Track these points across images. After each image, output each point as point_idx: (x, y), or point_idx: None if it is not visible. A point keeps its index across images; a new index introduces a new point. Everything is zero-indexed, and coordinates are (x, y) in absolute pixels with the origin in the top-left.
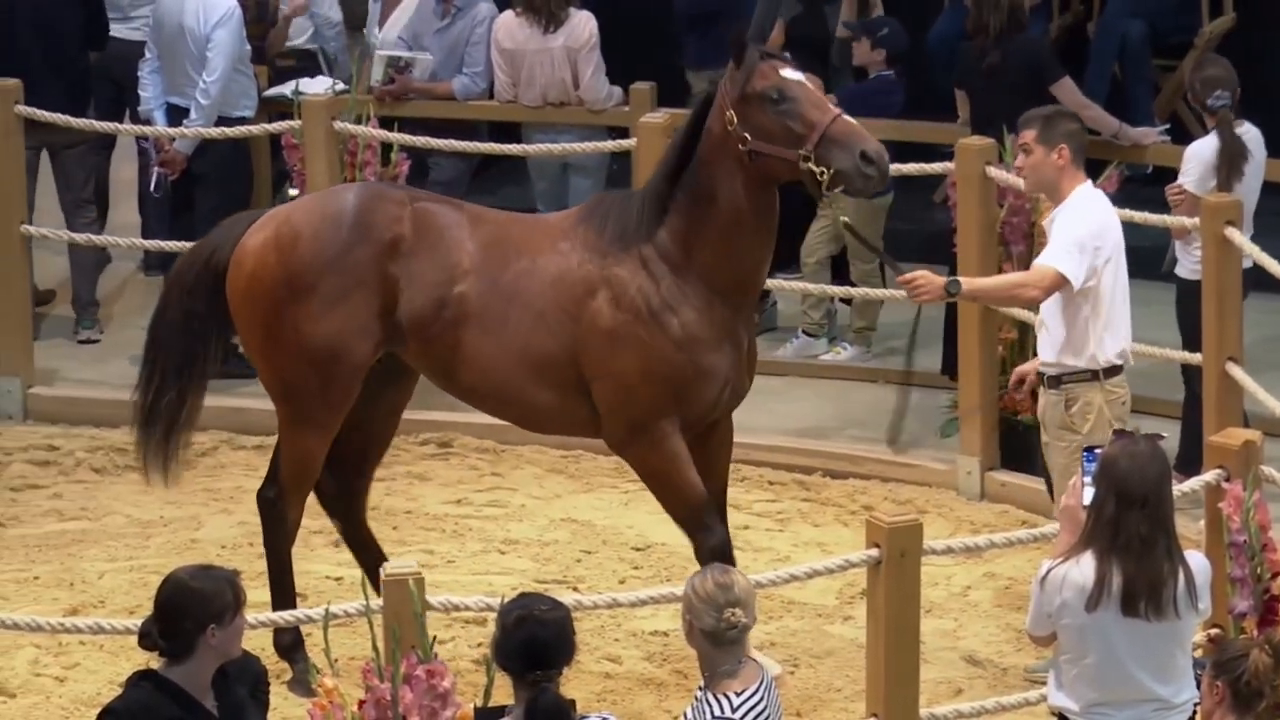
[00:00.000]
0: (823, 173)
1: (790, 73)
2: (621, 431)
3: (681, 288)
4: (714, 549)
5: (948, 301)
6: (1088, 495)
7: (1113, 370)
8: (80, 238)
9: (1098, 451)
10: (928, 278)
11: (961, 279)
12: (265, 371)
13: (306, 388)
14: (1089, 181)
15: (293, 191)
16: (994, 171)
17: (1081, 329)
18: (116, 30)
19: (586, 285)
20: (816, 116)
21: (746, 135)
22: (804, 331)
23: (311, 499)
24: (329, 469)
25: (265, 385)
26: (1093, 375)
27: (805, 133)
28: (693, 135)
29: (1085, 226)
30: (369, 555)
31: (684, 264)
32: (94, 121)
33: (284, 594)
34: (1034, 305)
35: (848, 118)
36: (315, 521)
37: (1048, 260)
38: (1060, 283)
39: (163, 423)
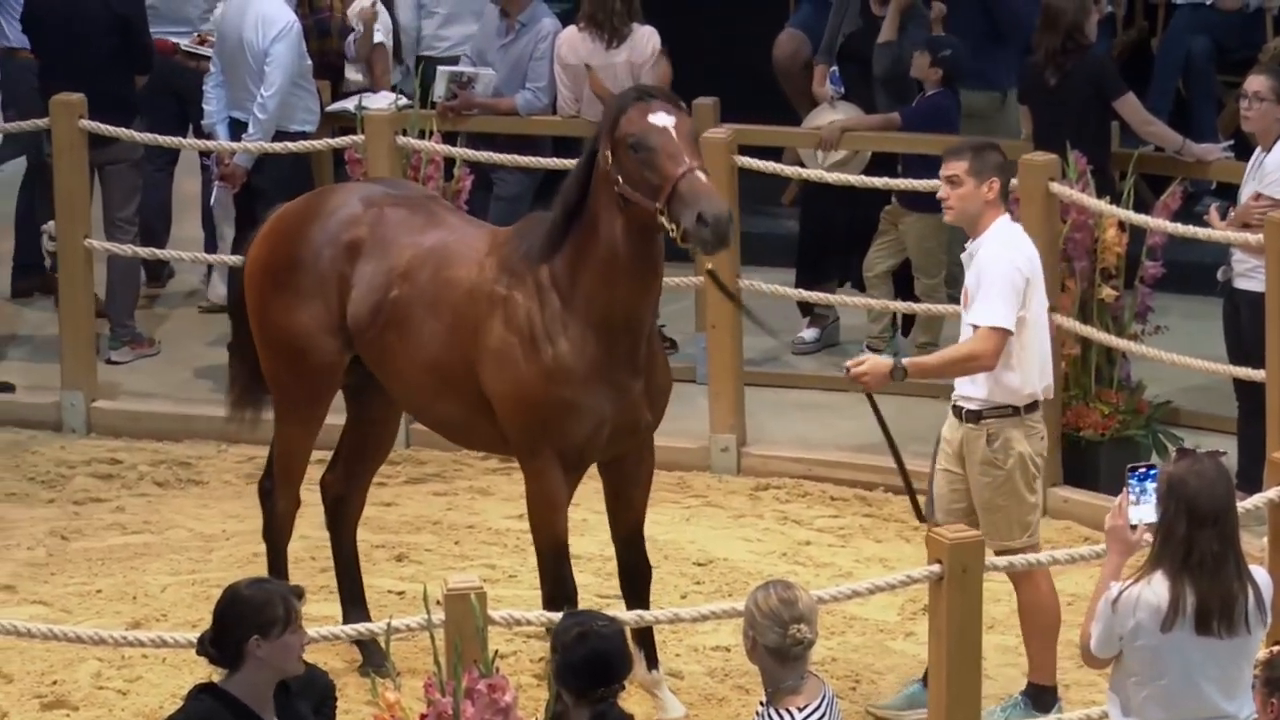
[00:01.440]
0: (674, 227)
1: (659, 117)
2: (516, 452)
3: (564, 318)
4: (550, 599)
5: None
6: (1134, 515)
7: (1033, 406)
8: (145, 252)
9: (1143, 470)
10: (873, 363)
11: (906, 360)
12: (260, 362)
13: (285, 380)
14: (1007, 214)
15: None
16: (1057, 187)
17: (1006, 364)
18: (182, 44)
19: (490, 302)
20: (670, 169)
21: (619, 178)
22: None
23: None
24: (336, 470)
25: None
26: (1014, 411)
27: (660, 184)
28: (589, 164)
29: (1010, 264)
30: (349, 579)
31: (570, 295)
32: (156, 136)
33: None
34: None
35: (699, 174)
36: (377, 536)
37: (984, 320)
38: (1005, 339)
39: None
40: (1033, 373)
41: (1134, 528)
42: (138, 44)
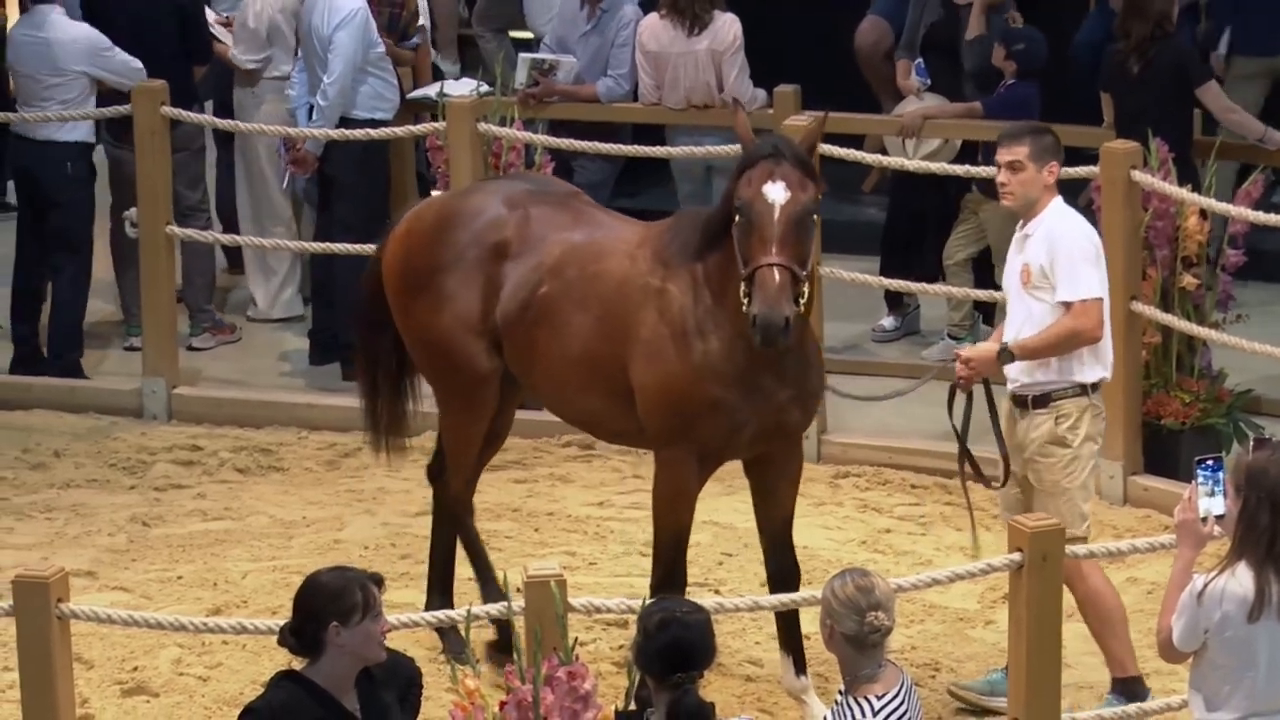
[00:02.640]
0: (746, 301)
1: (772, 190)
2: (652, 441)
3: (716, 316)
4: (660, 585)
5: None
6: (1204, 507)
7: (1098, 386)
8: (225, 238)
9: (1211, 462)
10: (979, 349)
11: (1011, 343)
12: (410, 352)
13: (442, 375)
14: (1059, 196)
15: (435, 192)
16: (1139, 175)
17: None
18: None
19: (644, 293)
20: (755, 254)
21: (736, 216)
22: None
23: None
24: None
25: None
26: (1082, 390)
27: (747, 258)
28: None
29: (1087, 239)
30: (479, 561)
31: (721, 294)
32: (239, 123)
33: (441, 575)
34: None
35: (776, 271)
36: None
37: (1079, 293)
38: (1102, 307)
39: (383, 421)
40: (1102, 350)
41: (1204, 520)
42: (196, 34)
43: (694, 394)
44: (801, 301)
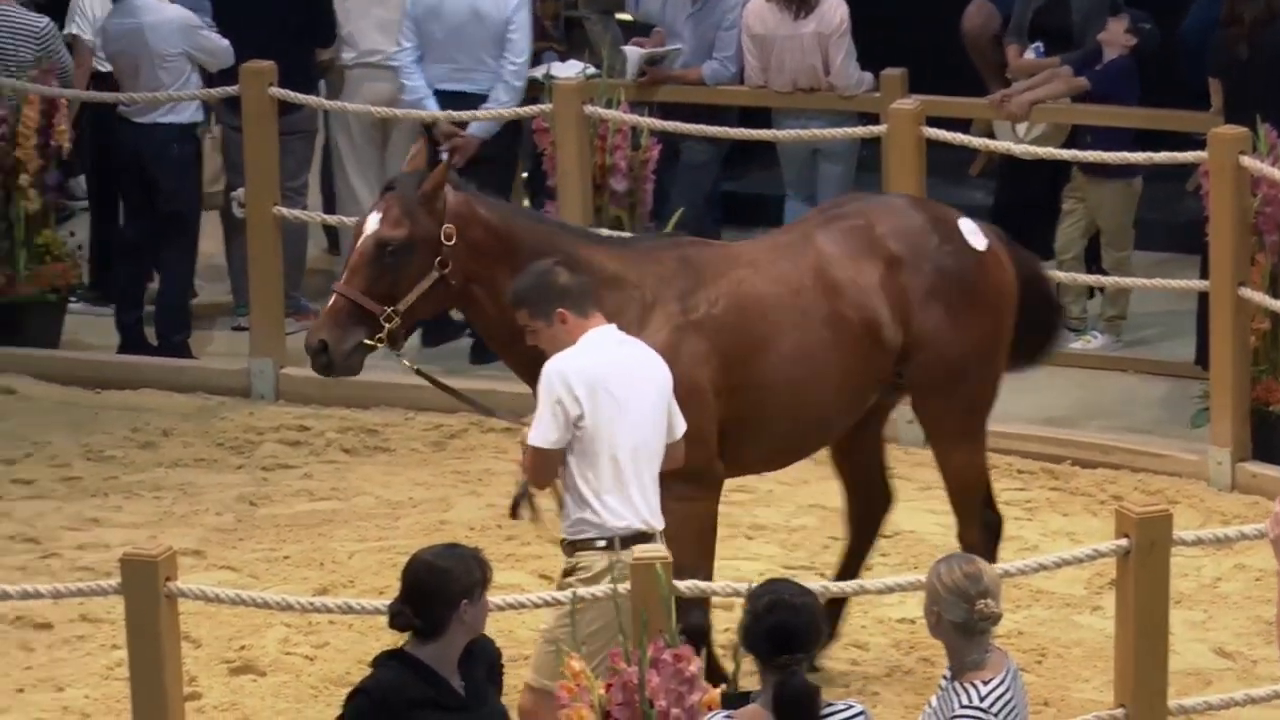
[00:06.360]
0: None
1: (368, 220)
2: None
3: None
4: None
5: None
6: None
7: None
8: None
9: None
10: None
11: None
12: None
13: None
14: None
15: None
16: (1248, 161)
17: None
18: None
19: None
20: None
21: None
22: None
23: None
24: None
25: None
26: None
27: None
28: None
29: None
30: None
31: None
32: (369, 107)
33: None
34: None
35: (333, 295)
36: None
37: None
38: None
39: None
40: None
41: None
42: (321, 16)
43: None
44: (378, 338)
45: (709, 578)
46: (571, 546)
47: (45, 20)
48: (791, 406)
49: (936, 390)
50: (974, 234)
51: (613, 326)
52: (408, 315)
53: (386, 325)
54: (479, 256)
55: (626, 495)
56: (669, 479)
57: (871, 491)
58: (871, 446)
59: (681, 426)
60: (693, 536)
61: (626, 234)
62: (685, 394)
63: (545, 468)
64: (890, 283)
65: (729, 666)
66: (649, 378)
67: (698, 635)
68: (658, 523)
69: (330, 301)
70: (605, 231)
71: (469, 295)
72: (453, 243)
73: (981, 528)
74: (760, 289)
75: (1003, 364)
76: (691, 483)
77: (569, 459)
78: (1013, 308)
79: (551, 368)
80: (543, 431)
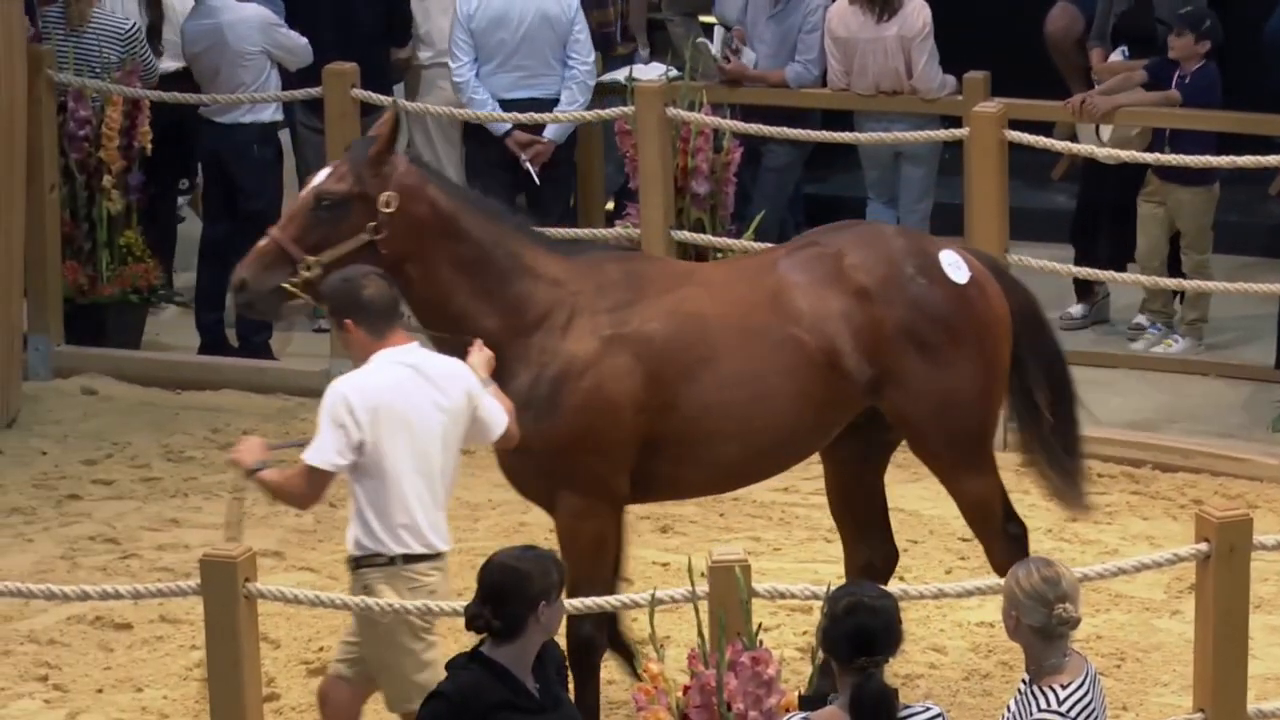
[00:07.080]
0: None
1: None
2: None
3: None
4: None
5: None
6: None
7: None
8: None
9: None
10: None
11: None
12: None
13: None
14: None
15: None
16: None
17: None
18: None
19: None
20: None
21: None
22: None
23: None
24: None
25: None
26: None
27: None
28: None
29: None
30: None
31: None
32: (430, 107)
33: None
34: None
35: (264, 236)
36: (642, 507)
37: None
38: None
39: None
40: None
41: None
42: (397, 16)
43: None
44: (294, 282)
45: (603, 593)
46: (355, 564)
47: (131, 20)
48: (737, 429)
49: (926, 425)
50: (955, 267)
51: (413, 344)
52: (328, 269)
53: (304, 274)
54: (418, 234)
55: (411, 517)
56: (562, 491)
57: (873, 542)
58: (871, 491)
59: (500, 421)
60: (582, 552)
61: (586, 241)
62: (598, 406)
63: (316, 487)
64: (857, 313)
65: (807, 669)
66: (434, 400)
67: (587, 647)
68: (443, 544)
69: (261, 242)
70: (618, 237)
71: (402, 273)
72: (391, 210)
73: (1007, 542)
74: (704, 309)
75: (1000, 393)
76: (588, 497)
77: (352, 480)
78: (1004, 337)
79: (336, 389)
80: (321, 451)
